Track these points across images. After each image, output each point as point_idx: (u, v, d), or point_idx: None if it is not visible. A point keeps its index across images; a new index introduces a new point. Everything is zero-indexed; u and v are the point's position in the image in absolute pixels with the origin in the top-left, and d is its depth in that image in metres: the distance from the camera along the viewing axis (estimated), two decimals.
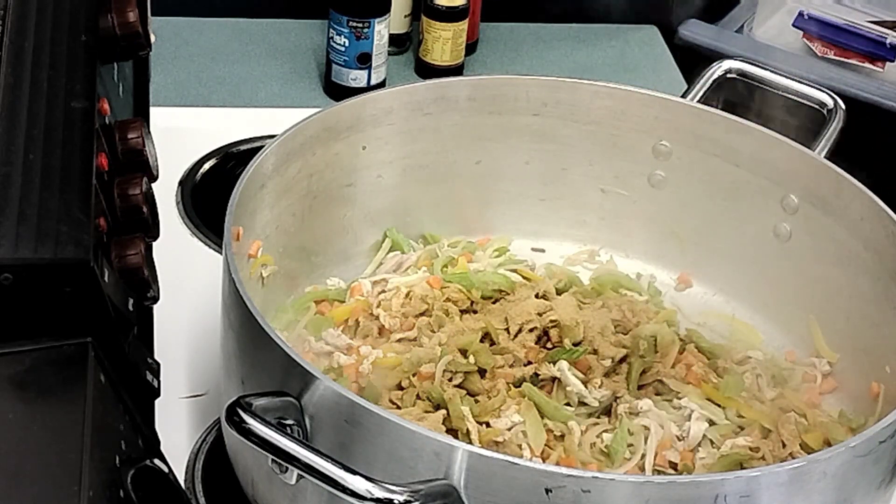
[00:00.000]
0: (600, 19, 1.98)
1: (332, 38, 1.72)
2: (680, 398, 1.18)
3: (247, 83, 1.78)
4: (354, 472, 0.89)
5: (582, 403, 1.17)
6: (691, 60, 1.88)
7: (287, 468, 0.91)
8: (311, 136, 1.24)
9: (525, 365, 1.19)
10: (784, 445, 1.15)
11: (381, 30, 1.71)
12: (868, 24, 1.94)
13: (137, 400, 0.97)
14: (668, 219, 1.35)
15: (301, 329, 1.24)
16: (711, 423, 1.17)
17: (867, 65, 1.93)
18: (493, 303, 1.26)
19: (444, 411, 1.13)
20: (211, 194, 1.53)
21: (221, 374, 1.12)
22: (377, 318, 1.24)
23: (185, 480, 1.18)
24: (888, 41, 1.92)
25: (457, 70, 1.80)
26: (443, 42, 1.78)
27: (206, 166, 1.59)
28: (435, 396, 1.14)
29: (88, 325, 0.89)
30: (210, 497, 1.18)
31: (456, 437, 1.10)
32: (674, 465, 1.14)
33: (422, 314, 1.24)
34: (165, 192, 1.48)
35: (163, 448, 1.01)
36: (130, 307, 0.96)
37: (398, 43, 1.84)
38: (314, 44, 1.86)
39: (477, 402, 1.15)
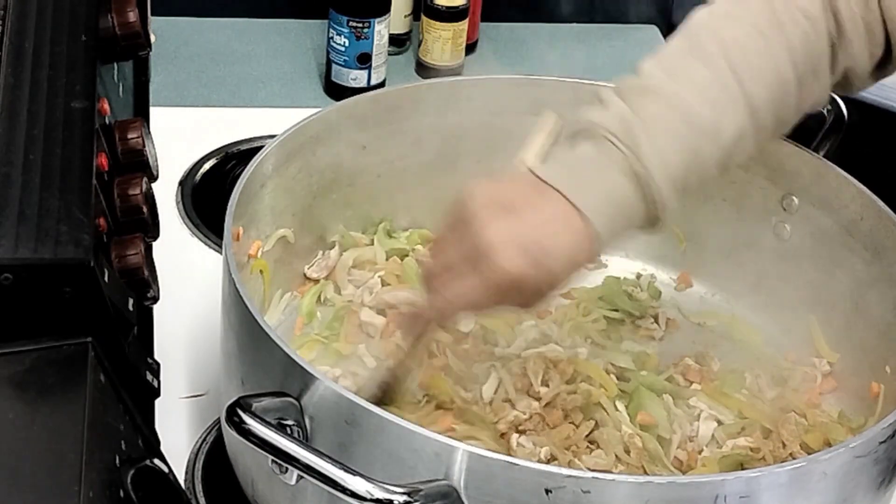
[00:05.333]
0: (600, 19, 1.98)
1: (332, 38, 1.72)
2: (689, 399, 1.19)
3: (247, 83, 1.78)
4: (354, 473, 0.89)
5: None
6: None
7: (287, 468, 0.91)
8: (311, 136, 1.24)
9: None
10: (784, 446, 1.15)
11: (381, 30, 1.71)
12: None
13: (137, 400, 0.97)
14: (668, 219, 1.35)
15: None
16: (719, 423, 1.17)
17: None
18: None
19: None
20: (211, 194, 1.53)
21: (221, 374, 1.12)
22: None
23: (185, 480, 1.18)
24: None
25: (457, 70, 1.80)
26: (443, 42, 1.78)
27: (206, 166, 1.59)
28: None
29: (88, 325, 0.89)
30: (210, 497, 1.18)
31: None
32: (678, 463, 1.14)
33: None
34: (165, 192, 1.48)
35: (163, 448, 1.01)
36: (130, 307, 0.95)
37: (398, 43, 1.84)
38: (314, 44, 1.86)
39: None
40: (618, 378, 1.21)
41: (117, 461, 0.87)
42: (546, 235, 0.98)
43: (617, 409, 1.17)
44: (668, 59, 1.06)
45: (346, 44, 1.71)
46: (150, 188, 1.04)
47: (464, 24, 1.79)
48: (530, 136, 1.12)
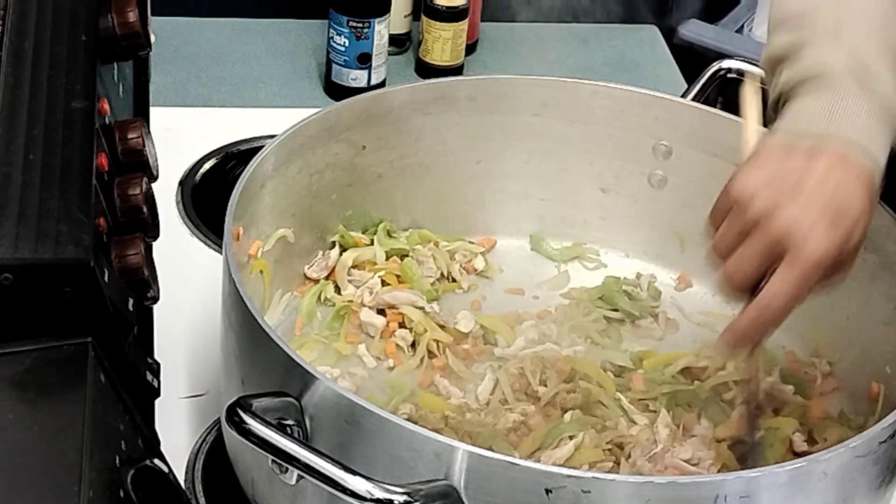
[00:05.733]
0: (601, 19, 1.98)
1: (332, 38, 1.72)
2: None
3: (247, 83, 1.78)
4: (354, 473, 0.89)
5: None
6: (691, 60, 1.88)
7: (287, 468, 0.91)
8: (311, 136, 1.24)
9: None
10: None
11: (381, 30, 1.71)
12: None
13: (137, 400, 0.97)
14: (668, 219, 1.35)
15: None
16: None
17: None
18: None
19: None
20: (211, 194, 1.53)
21: (221, 374, 1.12)
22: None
23: (185, 480, 1.18)
24: None
25: (457, 70, 1.80)
26: (443, 42, 1.78)
27: (206, 166, 1.59)
28: None
29: (88, 325, 0.89)
30: (210, 497, 1.18)
31: None
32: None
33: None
34: (165, 192, 1.48)
35: (163, 448, 1.01)
36: (130, 307, 0.95)
37: (398, 43, 1.84)
38: (314, 44, 1.86)
39: None
40: (616, 376, 1.22)
41: (117, 461, 0.87)
42: (841, 198, 0.95)
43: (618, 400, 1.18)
44: None
45: (346, 44, 1.71)
46: (150, 188, 1.04)
47: (464, 24, 1.79)
48: (745, 106, 1.09)
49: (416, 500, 0.88)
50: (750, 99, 1.10)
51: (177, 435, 1.21)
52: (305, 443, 0.93)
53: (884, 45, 1.02)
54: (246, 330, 1.03)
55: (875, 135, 0.98)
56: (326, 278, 1.30)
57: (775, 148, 0.99)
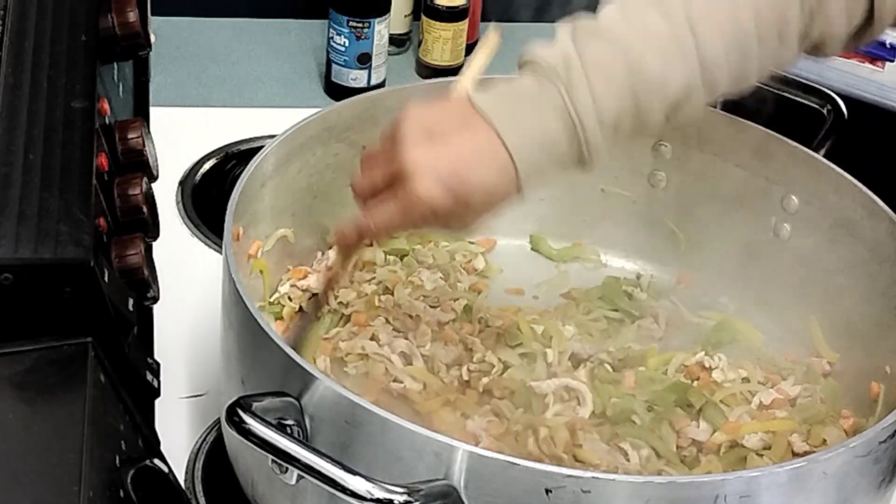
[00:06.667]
0: None
1: (332, 38, 1.72)
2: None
3: (247, 83, 1.78)
4: (354, 473, 0.89)
5: None
6: None
7: (287, 468, 0.91)
8: (311, 136, 1.24)
9: None
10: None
11: (381, 30, 1.71)
12: None
13: (137, 400, 0.97)
14: (668, 219, 1.35)
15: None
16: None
17: (867, 65, 1.93)
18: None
19: None
20: (211, 194, 1.53)
21: (221, 374, 1.12)
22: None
23: (185, 480, 1.18)
24: (888, 41, 1.92)
25: (457, 70, 1.80)
26: (443, 42, 1.78)
27: (206, 166, 1.59)
28: None
29: (88, 325, 0.89)
30: (210, 497, 1.18)
31: None
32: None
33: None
34: (165, 192, 1.48)
35: (163, 448, 1.01)
36: (130, 307, 0.96)
37: (398, 43, 1.84)
38: (314, 44, 1.86)
39: None
40: (613, 370, 1.22)
41: (117, 461, 0.87)
42: (466, 166, 0.99)
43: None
44: (631, 5, 1.05)
45: (346, 44, 1.71)
46: (150, 188, 1.04)
47: (464, 24, 1.79)
48: (473, 55, 1.12)
49: (416, 500, 0.88)
50: (483, 49, 1.13)
51: (177, 435, 1.21)
52: (305, 443, 0.93)
53: (617, 80, 1.02)
54: (246, 330, 1.03)
55: (547, 132, 1.01)
56: None
57: (458, 102, 1.03)
